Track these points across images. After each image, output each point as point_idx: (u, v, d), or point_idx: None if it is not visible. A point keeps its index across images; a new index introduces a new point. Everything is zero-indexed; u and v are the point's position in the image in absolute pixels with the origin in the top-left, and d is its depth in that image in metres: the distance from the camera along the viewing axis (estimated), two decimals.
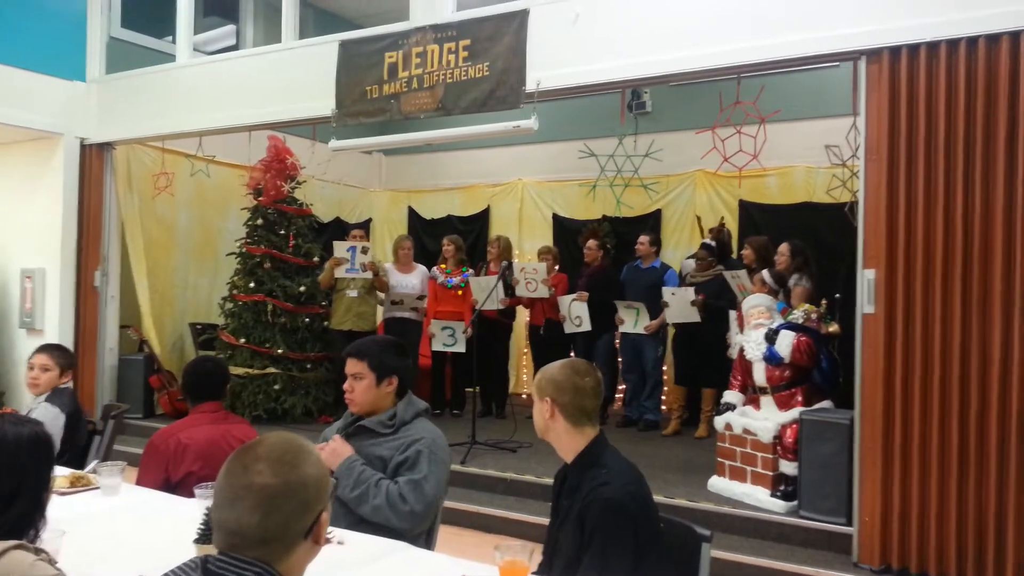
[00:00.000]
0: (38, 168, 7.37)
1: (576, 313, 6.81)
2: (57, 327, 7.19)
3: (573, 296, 6.89)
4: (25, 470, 1.76)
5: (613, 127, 7.10)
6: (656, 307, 6.65)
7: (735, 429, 4.96)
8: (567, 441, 2.29)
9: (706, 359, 6.40)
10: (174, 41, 7.39)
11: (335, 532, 2.39)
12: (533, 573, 2.07)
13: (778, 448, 4.72)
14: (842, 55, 4.42)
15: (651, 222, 8.11)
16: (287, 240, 7.40)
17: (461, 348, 6.64)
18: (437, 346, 6.81)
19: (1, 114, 6.71)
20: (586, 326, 6.77)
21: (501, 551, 2.02)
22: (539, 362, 6.95)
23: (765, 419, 4.84)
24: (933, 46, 4.00)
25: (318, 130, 6.72)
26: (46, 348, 3.90)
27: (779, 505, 4.63)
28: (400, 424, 2.75)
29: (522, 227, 9.09)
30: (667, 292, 6.52)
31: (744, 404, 5.13)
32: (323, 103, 6.03)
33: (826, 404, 4.82)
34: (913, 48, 4.05)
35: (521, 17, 5.29)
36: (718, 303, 6.28)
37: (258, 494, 1.36)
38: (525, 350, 8.56)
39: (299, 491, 1.39)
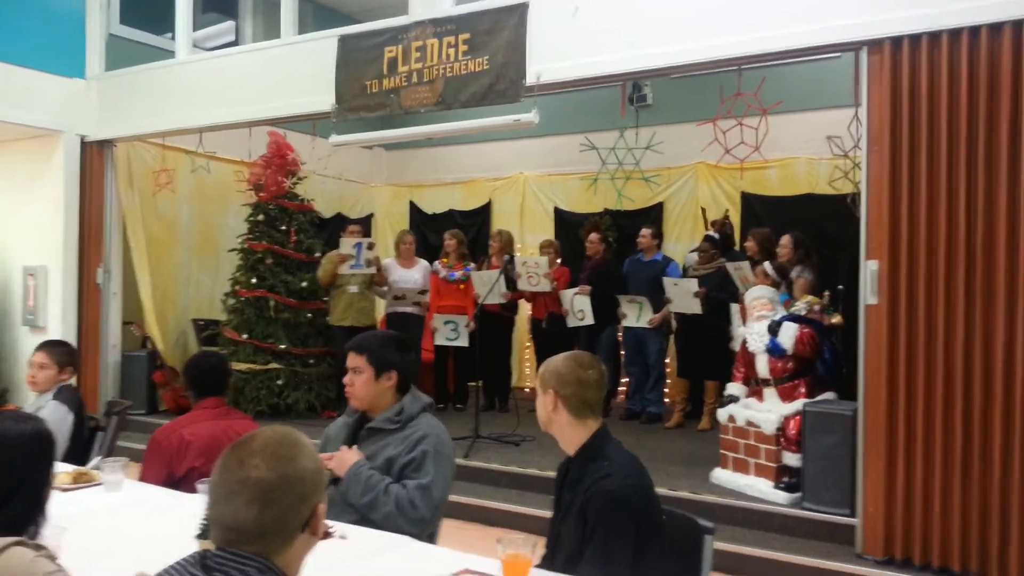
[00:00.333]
0: (39, 166, 7.37)
1: (578, 307, 6.81)
2: (60, 324, 7.20)
3: (575, 290, 6.89)
4: (26, 467, 1.77)
5: (614, 120, 7.07)
6: (658, 300, 6.64)
7: (738, 421, 4.95)
8: (570, 434, 2.28)
9: (709, 351, 6.39)
10: (173, 38, 7.38)
11: (337, 527, 2.39)
12: (536, 566, 2.07)
13: (781, 440, 4.72)
14: (843, 46, 4.40)
15: (653, 215, 8.11)
16: (288, 236, 7.40)
17: (464, 342, 6.63)
18: (440, 340, 6.81)
19: (1, 112, 6.71)
20: (588, 320, 6.76)
21: (504, 544, 2.01)
22: (541, 356, 6.95)
23: (768, 411, 4.84)
24: (935, 36, 3.97)
25: (318, 125, 6.71)
26: (44, 345, 3.88)
27: (782, 497, 4.63)
28: (408, 419, 2.75)
29: (523, 221, 9.09)
30: (668, 283, 6.51)
31: (747, 396, 5.12)
32: (323, 98, 6.02)
33: (829, 396, 4.80)
34: (915, 38, 4.02)
35: (520, 10, 5.27)
36: (720, 295, 6.27)
37: (254, 488, 1.36)
38: (527, 344, 8.56)
39: (295, 484, 1.39)
